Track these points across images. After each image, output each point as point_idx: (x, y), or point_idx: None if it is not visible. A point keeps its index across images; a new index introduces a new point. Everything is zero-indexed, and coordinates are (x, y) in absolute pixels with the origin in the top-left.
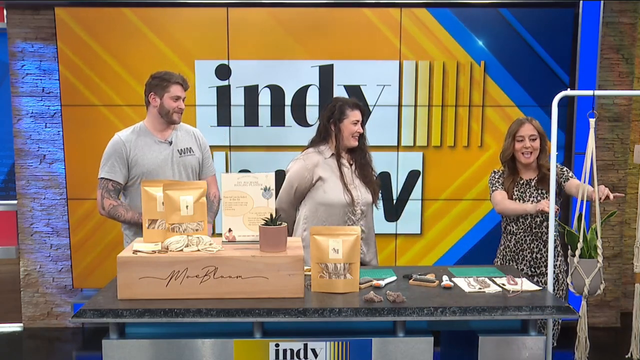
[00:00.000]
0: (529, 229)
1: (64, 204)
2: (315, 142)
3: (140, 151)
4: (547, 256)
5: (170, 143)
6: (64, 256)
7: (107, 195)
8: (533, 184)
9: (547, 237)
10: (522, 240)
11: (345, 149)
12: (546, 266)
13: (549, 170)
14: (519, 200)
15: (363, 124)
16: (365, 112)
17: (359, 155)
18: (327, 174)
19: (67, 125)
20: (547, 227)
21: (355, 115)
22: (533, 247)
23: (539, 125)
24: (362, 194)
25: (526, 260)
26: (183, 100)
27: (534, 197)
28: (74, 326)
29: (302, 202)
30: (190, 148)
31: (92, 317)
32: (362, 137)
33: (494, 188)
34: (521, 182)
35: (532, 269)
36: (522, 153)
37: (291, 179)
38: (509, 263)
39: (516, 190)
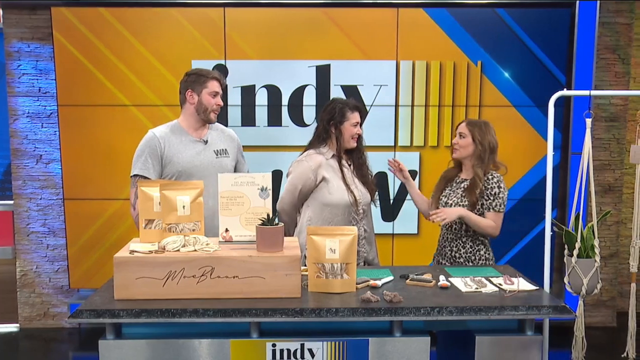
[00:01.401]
0: (450, 227)
1: (60, 204)
2: (314, 144)
3: (175, 149)
4: (465, 257)
5: (206, 142)
6: (60, 256)
7: None
8: (463, 186)
9: (466, 239)
10: (445, 237)
11: (344, 150)
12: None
13: (480, 180)
14: (445, 198)
15: (361, 125)
16: (364, 113)
17: (357, 155)
18: (330, 175)
19: (64, 125)
20: (465, 230)
21: (356, 117)
22: (452, 245)
23: (479, 130)
24: (363, 193)
25: (447, 258)
26: (220, 97)
27: (458, 198)
28: (70, 326)
29: (305, 203)
30: (226, 150)
31: (88, 317)
32: (360, 137)
33: None
34: (457, 180)
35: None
36: (453, 148)
37: (295, 180)
38: (437, 258)
39: (447, 188)
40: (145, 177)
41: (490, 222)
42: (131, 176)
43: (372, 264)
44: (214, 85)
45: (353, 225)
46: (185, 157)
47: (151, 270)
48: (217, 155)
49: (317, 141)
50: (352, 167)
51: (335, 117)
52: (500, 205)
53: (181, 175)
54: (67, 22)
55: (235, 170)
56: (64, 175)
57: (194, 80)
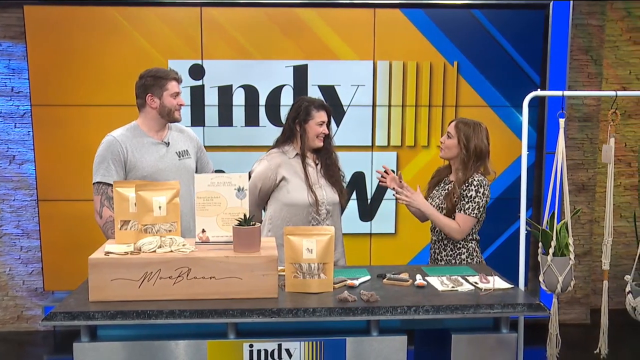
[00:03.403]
0: (433, 228)
1: (34, 205)
2: (279, 143)
3: (138, 153)
4: (446, 259)
5: (168, 144)
6: (34, 258)
7: (108, 204)
8: (448, 188)
9: (447, 241)
10: (431, 239)
11: (311, 150)
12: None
13: (458, 186)
14: (430, 199)
15: (329, 125)
16: (331, 112)
17: (325, 155)
18: (291, 174)
19: (37, 125)
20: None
21: (321, 116)
22: (435, 247)
23: (466, 133)
24: (328, 193)
25: (431, 260)
26: (181, 96)
27: (440, 200)
28: (45, 329)
29: (268, 202)
30: (187, 150)
31: (62, 319)
32: (327, 137)
33: None
34: (446, 181)
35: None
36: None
37: (255, 179)
38: (429, 262)
39: (436, 189)
40: (108, 184)
41: (452, 223)
42: (94, 183)
43: (336, 265)
44: (174, 86)
45: (313, 225)
46: (149, 161)
47: (127, 271)
48: (179, 157)
49: (282, 140)
50: (319, 166)
51: (300, 115)
52: (471, 210)
53: (145, 179)
54: (41, 20)
55: (198, 170)
56: (38, 176)
57: (152, 83)
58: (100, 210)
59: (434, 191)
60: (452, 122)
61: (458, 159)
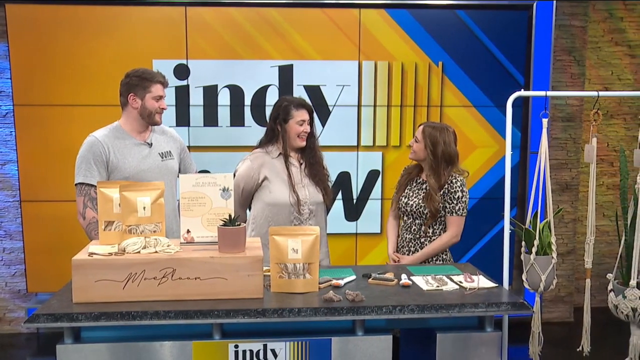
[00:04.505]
0: (409, 228)
1: (17, 206)
2: (263, 143)
3: (120, 154)
4: (435, 261)
5: (150, 145)
6: (17, 260)
7: (91, 205)
8: (424, 187)
9: (424, 240)
10: (403, 237)
11: (294, 149)
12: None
13: (435, 192)
14: (405, 198)
15: (312, 123)
16: (312, 111)
17: (309, 154)
18: (273, 174)
19: (20, 125)
20: (424, 232)
21: (301, 114)
22: (410, 246)
23: (432, 138)
24: (311, 193)
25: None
26: (164, 100)
27: (420, 199)
28: (28, 332)
29: (252, 202)
30: (170, 152)
31: (45, 321)
32: (311, 136)
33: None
34: (419, 181)
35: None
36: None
37: (238, 179)
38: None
39: (408, 189)
40: (93, 186)
41: (444, 239)
42: (75, 184)
43: (320, 265)
44: (158, 89)
45: (296, 225)
46: (132, 162)
47: (111, 272)
48: (162, 158)
49: (265, 140)
50: (303, 166)
51: (280, 115)
52: (462, 209)
53: (127, 180)
54: (23, 19)
55: (182, 172)
56: (21, 177)
57: (136, 83)
58: (83, 211)
59: (406, 190)
60: (420, 125)
61: (426, 164)
